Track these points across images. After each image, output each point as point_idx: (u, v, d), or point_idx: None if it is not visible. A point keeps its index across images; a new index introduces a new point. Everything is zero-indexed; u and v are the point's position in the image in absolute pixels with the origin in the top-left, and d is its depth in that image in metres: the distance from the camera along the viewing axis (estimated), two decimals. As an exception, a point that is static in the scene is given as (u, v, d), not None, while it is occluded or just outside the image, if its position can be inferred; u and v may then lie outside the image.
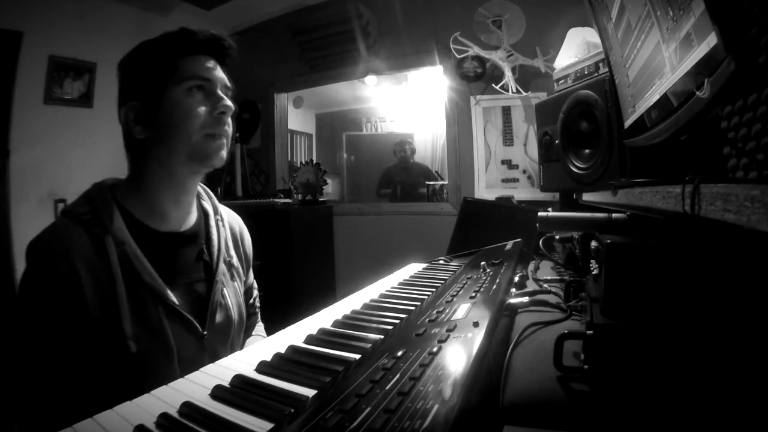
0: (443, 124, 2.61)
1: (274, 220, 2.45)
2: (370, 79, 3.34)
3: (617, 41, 0.79)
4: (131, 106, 0.73)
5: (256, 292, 1.00)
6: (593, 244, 0.67)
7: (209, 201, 0.89)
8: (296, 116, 4.75)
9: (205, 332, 0.76)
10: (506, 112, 2.28)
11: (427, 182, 3.56)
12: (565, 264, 1.15)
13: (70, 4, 2.30)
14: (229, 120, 0.78)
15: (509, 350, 0.60)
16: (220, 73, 0.77)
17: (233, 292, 0.85)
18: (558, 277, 1.02)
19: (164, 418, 0.44)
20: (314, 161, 2.79)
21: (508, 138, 2.29)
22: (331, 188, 4.48)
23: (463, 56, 2.26)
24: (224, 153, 0.77)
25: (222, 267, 0.82)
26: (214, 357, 0.79)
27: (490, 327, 0.57)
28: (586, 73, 1.25)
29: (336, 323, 0.74)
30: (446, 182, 3.04)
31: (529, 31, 2.16)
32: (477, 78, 2.32)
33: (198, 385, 0.52)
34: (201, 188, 0.88)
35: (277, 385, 0.50)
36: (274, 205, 2.52)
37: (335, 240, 2.83)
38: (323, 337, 0.66)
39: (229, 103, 0.76)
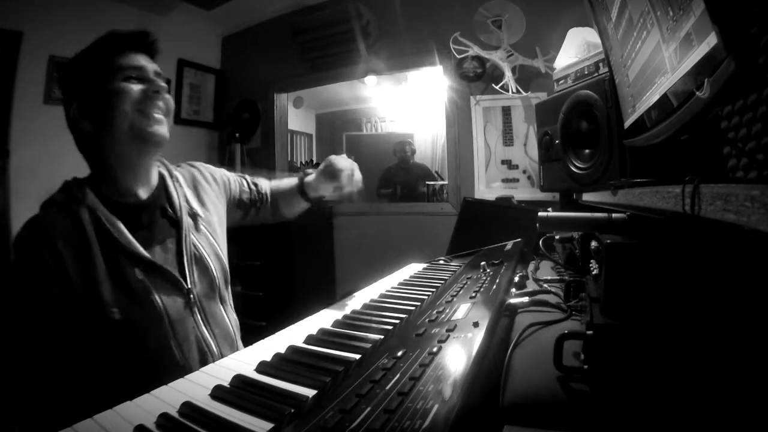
0: (443, 124, 2.60)
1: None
2: (370, 79, 3.34)
3: (617, 41, 0.79)
4: (76, 105, 0.79)
5: (253, 180, 1.13)
6: (593, 244, 0.67)
7: (164, 167, 0.94)
8: (296, 116, 4.75)
9: (189, 287, 0.80)
10: (506, 112, 2.28)
11: (427, 182, 3.56)
12: (565, 264, 1.14)
13: (70, 5, 2.30)
14: (167, 97, 0.84)
15: (509, 350, 0.60)
16: (151, 63, 0.85)
17: (206, 242, 0.89)
18: (558, 277, 1.02)
19: (164, 418, 0.44)
20: (314, 161, 2.79)
21: (508, 138, 2.28)
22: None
23: (463, 56, 2.25)
24: (162, 129, 0.82)
25: (186, 219, 0.86)
26: (205, 314, 0.82)
27: (490, 327, 0.57)
28: (586, 73, 1.25)
29: (336, 323, 0.74)
30: (446, 182, 3.04)
31: (529, 31, 2.15)
32: (477, 78, 2.32)
33: (198, 385, 0.52)
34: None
35: (277, 385, 0.50)
36: (274, 205, 2.52)
37: (335, 240, 2.83)
38: (323, 337, 0.66)
39: (161, 83, 0.83)
